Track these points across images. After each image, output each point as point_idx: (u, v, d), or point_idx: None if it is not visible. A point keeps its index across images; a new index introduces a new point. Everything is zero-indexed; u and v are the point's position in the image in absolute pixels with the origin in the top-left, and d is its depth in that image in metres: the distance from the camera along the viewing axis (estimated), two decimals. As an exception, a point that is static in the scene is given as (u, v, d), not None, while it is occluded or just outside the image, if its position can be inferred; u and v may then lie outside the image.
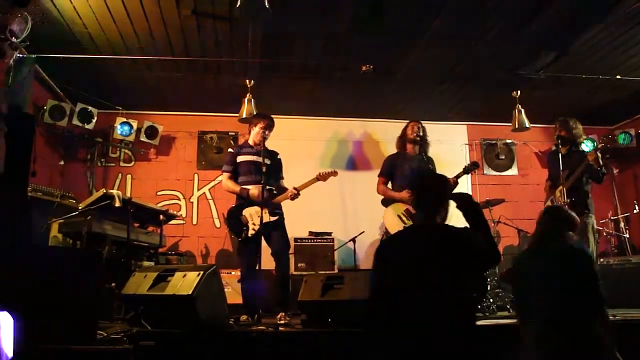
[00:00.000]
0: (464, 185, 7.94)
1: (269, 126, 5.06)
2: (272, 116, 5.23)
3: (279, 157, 5.25)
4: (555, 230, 3.14)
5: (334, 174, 5.36)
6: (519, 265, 3.30)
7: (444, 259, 2.63)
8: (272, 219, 4.88)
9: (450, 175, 5.17)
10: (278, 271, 4.93)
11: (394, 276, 2.74)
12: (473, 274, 2.69)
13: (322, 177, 5.23)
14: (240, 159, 5.11)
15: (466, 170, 5.23)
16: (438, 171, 5.37)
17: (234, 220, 4.96)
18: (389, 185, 5.52)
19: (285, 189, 5.11)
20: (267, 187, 4.87)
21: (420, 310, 2.56)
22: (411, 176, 5.29)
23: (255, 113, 5.99)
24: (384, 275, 2.83)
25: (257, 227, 4.73)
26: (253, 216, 4.81)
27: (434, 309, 2.53)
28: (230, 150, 5.36)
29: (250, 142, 5.11)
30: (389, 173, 5.47)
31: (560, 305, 2.81)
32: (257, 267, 4.85)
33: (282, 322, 4.40)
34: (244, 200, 4.96)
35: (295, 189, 4.99)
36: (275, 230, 4.90)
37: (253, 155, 4.99)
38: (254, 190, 4.86)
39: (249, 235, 4.81)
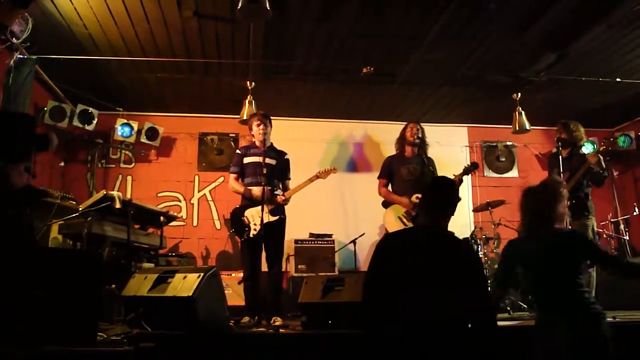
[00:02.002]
0: (465, 188, 7.96)
1: (263, 121, 5.05)
2: (273, 118, 5.23)
3: (286, 157, 5.24)
4: (539, 213, 3.11)
5: (334, 170, 5.37)
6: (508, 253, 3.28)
7: (444, 263, 2.68)
8: (272, 219, 4.88)
9: (451, 175, 5.19)
10: (270, 277, 4.93)
11: (390, 271, 2.79)
12: (467, 284, 2.69)
13: (322, 175, 5.24)
14: (246, 160, 5.12)
15: (466, 171, 5.23)
16: (439, 173, 5.38)
17: (237, 220, 4.97)
18: (390, 187, 5.52)
19: (289, 189, 5.11)
20: (270, 187, 4.88)
21: (411, 308, 2.61)
22: (409, 180, 5.30)
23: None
24: (380, 269, 2.87)
25: (258, 228, 4.74)
26: (254, 217, 4.81)
27: (426, 309, 2.58)
28: (237, 151, 5.36)
29: (257, 142, 5.12)
30: (388, 175, 5.47)
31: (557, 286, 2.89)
32: (258, 268, 4.88)
33: (277, 323, 4.43)
34: (249, 201, 4.97)
35: (283, 195, 4.98)
36: (273, 235, 4.90)
37: (259, 156, 4.99)
38: (256, 191, 4.86)
39: (251, 236, 4.81)
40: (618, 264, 3.08)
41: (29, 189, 2.78)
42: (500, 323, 4.54)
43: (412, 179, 5.29)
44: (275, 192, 4.98)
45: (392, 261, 2.82)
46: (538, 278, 2.99)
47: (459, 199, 3.05)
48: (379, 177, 5.54)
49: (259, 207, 4.76)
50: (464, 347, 2.56)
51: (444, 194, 3.05)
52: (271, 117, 5.20)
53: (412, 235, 3.01)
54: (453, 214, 3.03)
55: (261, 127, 5.03)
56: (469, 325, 2.64)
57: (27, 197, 2.86)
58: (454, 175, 5.12)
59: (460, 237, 2.89)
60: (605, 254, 3.13)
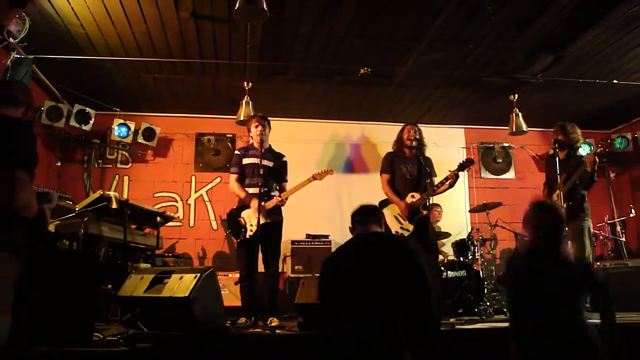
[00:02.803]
0: (461, 189, 7.97)
1: (261, 123, 5.05)
2: (270, 118, 5.22)
3: (284, 159, 5.24)
4: (555, 233, 3.05)
5: (330, 172, 5.37)
6: (519, 272, 3.20)
7: (383, 267, 2.70)
8: (268, 220, 4.88)
9: (446, 170, 5.19)
10: (266, 277, 4.93)
11: (338, 284, 2.79)
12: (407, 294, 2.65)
13: (318, 177, 5.24)
14: (245, 161, 5.11)
15: (462, 167, 5.21)
16: (436, 174, 5.38)
17: (233, 221, 4.97)
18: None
19: (285, 191, 5.11)
20: (267, 189, 4.88)
21: (360, 316, 2.62)
22: (408, 179, 5.29)
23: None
24: (330, 283, 2.87)
25: (254, 229, 4.74)
26: (251, 217, 4.81)
27: (370, 327, 2.58)
28: (236, 151, 5.35)
29: (255, 144, 5.11)
30: (390, 170, 5.41)
31: (558, 310, 2.82)
32: (255, 269, 4.87)
33: (274, 324, 4.43)
34: (246, 204, 4.96)
35: (279, 196, 4.99)
36: (269, 236, 4.89)
37: (257, 157, 4.99)
38: (255, 204, 4.83)
39: (247, 236, 4.81)
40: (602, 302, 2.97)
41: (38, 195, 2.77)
42: (497, 325, 4.57)
43: (410, 178, 5.29)
44: (272, 194, 4.98)
45: (339, 277, 2.81)
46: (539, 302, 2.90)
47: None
48: (382, 173, 5.47)
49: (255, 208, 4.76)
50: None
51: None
52: (268, 118, 5.20)
53: (351, 250, 2.98)
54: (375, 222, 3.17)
55: (259, 128, 5.02)
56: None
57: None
58: (449, 170, 5.12)
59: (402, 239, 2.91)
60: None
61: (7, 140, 2.29)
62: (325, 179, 5.35)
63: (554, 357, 2.75)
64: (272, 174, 5.03)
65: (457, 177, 5.15)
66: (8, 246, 2.25)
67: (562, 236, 2.99)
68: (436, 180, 5.22)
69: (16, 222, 2.37)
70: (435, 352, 2.70)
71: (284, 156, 5.25)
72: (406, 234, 5.04)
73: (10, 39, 4.92)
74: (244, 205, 4.97)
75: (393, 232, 5.05)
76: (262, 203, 4.81)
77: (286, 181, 5.22)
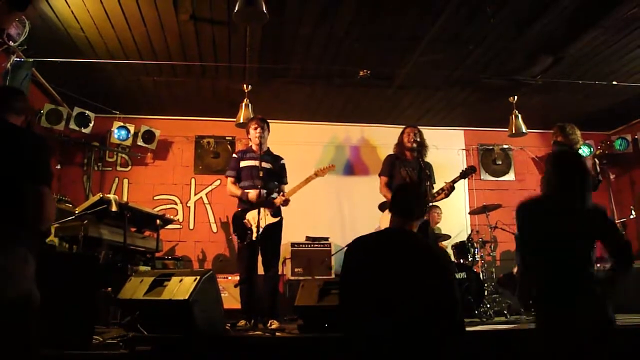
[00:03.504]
0: (461, 191, 7.97)
1: (260, 125, 5.06)
2: (270, 121, 5.23)
3: (282, 161, 5.25)
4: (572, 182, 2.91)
5: (332, 168, 5.40)
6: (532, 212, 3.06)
7: (409, 266, 2.70)
8: (274, 220, 4.89)
9: (447, 179, 5.20)
10: (266, 280, 4.93)
11: (360, 275, 2.81)
12: (435, 287, 2.69)
13: (320, 173, 5.25)
14: (243, 164, 5.13)
15: (463, 175, 5.24)
16: (435, 176, 5.38)
17: (239, 224, 4.97)
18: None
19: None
20: (266, 190, 4.88)
21: (383, 311, 2.63)
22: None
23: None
24: (351, 273, 2.89)
25: (260, 230, 4.73)
26: (256, 219, 4.79)
27: (396, 312, 2.60)
28: (234, 155, 5.37)
29: (253, 147, 5.12)
30: (389, 173, 5.42)
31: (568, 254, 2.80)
32: (255, 271, 4.87)
33: (274, 327, 4.43)
34: (248, 204, 4.96)
35: (283, 195, 4.99)
36: (269, 238, 4.89)
37: (255, 160, 4.99)
38: (252, 194, 4.86)
39: (253, 238, 4.79)
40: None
41: None
42: (497, 327, 4.57)
43: (410, 181, 5.29)
44: (273, 195, 4.98)
45: (361, 266, 2.84)
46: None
47: (427, 202, 3.08)
48: (380, 175, 5.46)
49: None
50: (434, 349, 2.59)
51: (410, 196, 3.07)
52: (268, 120, 5.21)
53: (380, 239, 3.01)
54: (422, 217, 3.06)
55: (258, 131, 5.03)
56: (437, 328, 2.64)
57: None
58: (445, 182, 5.14)
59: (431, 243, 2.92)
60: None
61: (37, 157, 2.41)
62: (326, 181, 5.36)
63: (560, 299, 2.75)
64: (272, 176, 5.04)
65: (452, 188, 5.16)
66: (32, 251, 2.37)
67: (583, 186, 2.89)
68: (433, 190, 5.22)
69: (39, 233, 2.51)
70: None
71: (282, 158, 5.26)
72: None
73: (10, 42, 4.92)
74: (247, 207, 4.96)
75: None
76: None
77: (286, 183, 5.23)
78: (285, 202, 5.00)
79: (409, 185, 3.23)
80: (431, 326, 2.62)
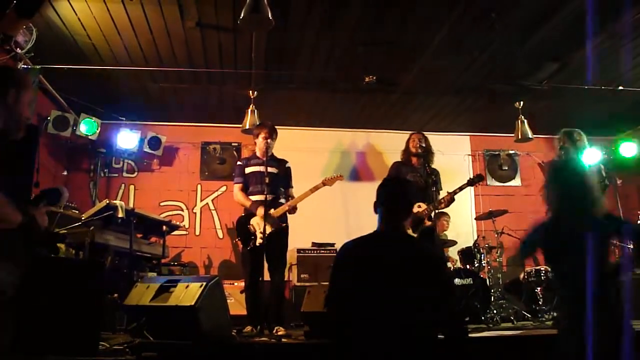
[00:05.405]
0: (467, 196, 7.94)
1: (271, 134, 5.07)
2: (276, 127, 5.23)
3: (287, 165, 5.24)
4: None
5: (340, 178, 5.37)
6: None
7: (405, 273, 2.54)
8: (277, 228, 4.88)
9: (453, 185, 5.17)
10: (272, 286, 4.92)
11: (352, 282, 2.64)
12: (431, 292, 2.52)
13: (328, 182, 5.24)
14: (248, 170, 5.13)
15: (470, 183, 5.23)
16: (442, 182, 5.37)
17: (243, 229, 4.96)
18: None
19: (293, 198, 5.09)
20: (274, 196, 4.88)
21: (375, 318, 2.49)
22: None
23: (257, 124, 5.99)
24: (342, 280, 2.73)
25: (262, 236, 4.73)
26: (260, 225, 4.79)
27: (389, 319, 2.47)
28: (238, 162, 5.37)
29: (258, 153, 5.13)
30: None
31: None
32: (261, 277, 4.86)
33: (280, 333, 4.41)
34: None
35: (289, 204, 4.98)
36: (275, 244, 4.87)
37: (260, 165, 4.99)
38: (261, 212, 4.81)
39: (257, 244, 4.79)
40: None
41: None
42: (504, 333, 4.54)
43: (416, 187, 5.28)
44: (280, 201, 4.98)
45: (350, 274, 2.67)
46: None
47: (415, 198, 2.91)
48: None
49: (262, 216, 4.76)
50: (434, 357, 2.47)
51: (401, 196, 2.90)
52: (272, 124, 5.21)
53: (370, 244, 2.80)
54: (409, 214, 2.91)
55: (269, 141, 5.02)
56: (439, 336, 2.53)
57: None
58: (447, 192, 5.13)
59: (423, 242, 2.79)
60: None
61: None
62: (332, 188, 5.34)
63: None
64: (278, 180, 5.03)
65: (452, 200, 5.15)
66: None
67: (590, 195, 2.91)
68: (439, 196, 5.21)
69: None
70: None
71: (287, 162, 5.25)
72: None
73: (18, 49, 4.96)
74: (252, 213, 4.96)
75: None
76: (272, 210, 4.81)
77: (292, 187, 5.22)
78: (293, 210, 5.00)
79: (393, 180, 2.99)
80: (430, 333, 2.52)
